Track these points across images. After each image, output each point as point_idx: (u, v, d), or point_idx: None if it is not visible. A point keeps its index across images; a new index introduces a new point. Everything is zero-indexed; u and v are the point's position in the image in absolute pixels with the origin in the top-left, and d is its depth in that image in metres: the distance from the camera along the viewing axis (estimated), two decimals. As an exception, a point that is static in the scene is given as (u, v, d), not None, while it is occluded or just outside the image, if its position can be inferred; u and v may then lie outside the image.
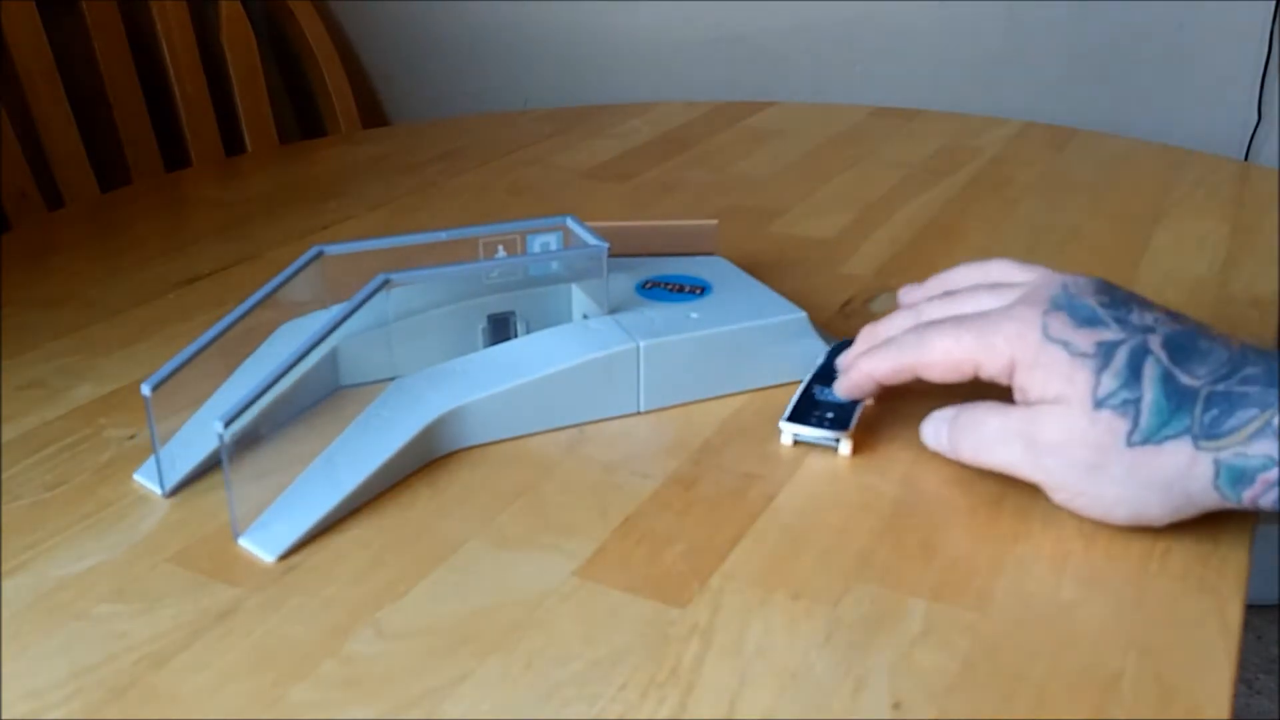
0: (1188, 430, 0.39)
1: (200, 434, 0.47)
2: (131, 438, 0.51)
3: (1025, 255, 0.50)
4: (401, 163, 0.93)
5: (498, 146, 0.96)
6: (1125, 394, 0.39)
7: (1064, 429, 0.41)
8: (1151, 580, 0.40)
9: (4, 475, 0.48)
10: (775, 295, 0.55)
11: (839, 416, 0.48)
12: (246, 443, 0.42)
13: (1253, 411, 0.38)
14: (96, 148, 1.09)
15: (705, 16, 1.27)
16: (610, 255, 0.52)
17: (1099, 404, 0.40)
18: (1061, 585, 0.40)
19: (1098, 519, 0.42)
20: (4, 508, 0.46)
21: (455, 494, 0.46)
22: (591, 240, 0.52)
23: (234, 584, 0.41)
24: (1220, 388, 0.39)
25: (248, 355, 0.51)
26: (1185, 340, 0.41)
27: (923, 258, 0.70)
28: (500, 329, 0.54)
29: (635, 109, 1.08)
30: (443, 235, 0.53)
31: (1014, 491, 0.45)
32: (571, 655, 0.37)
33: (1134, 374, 0.40)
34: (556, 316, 0.55)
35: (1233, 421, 0.38)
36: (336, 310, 0.47)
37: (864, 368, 0.47)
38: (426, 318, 0.52)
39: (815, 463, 0.48)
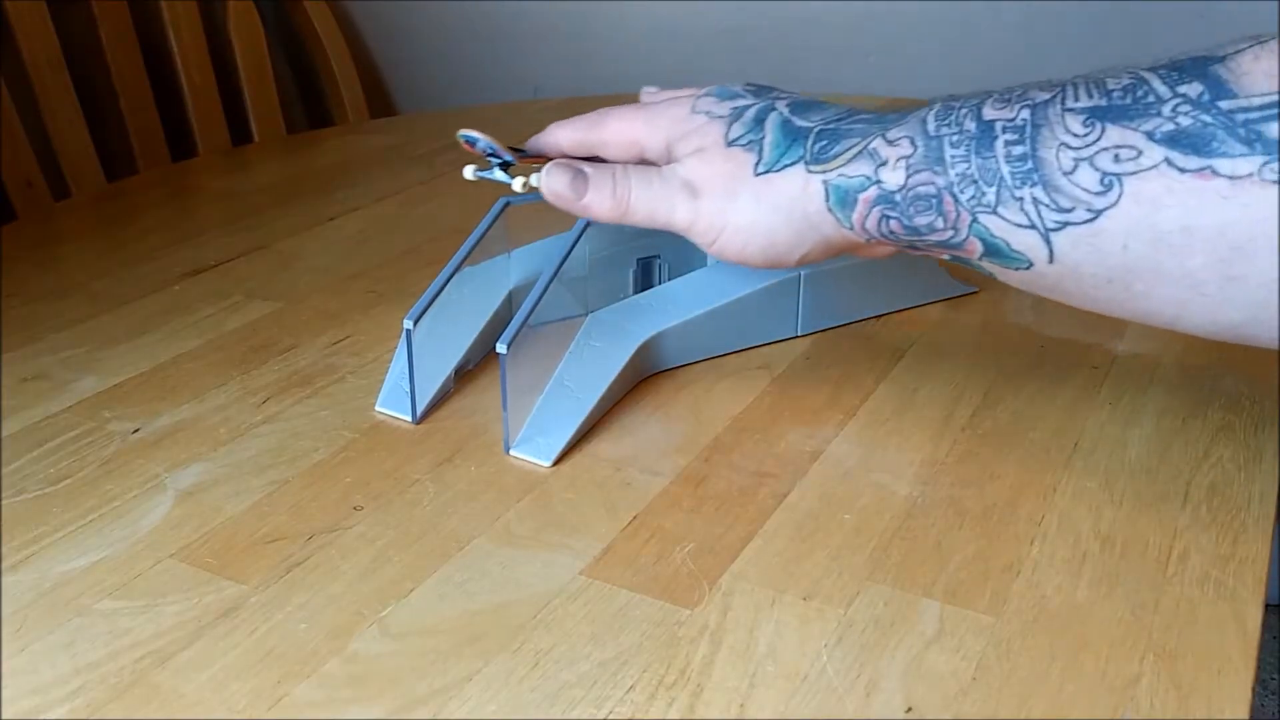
0: (801, 158, 0.44)
1: (422, 372, 0.51)
2: (135, 431, 0.50)
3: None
4: (410, 153, 0.92)
5: (507, 137, 0.95)
6: (750, 136, 0.45)
7: (706, 167, 0.46)
8: (1169, 583, 0.40)
9: (7, 469, 0.48)
10: None
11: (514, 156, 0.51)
12: (512, 366, 0.48)
13: (855, 140, 0.43)
14: (103, 138, 1.09)
15: (716, 6, 1.26)
16: None
17: (730, 144, 0.46)
18: (1077, 587, 0.40)
19: (739, 258, 0.46)
20: (6, 502, 0.45)
21: (462, 491, 0.46)
22: None
23: (238, 581, 0.40)
24: (830, 126, 0.45)
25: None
26: (809, 101, 0.47)
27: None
28: (648, 271, 0.60)
29: (645, 100, 1.07)
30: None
31: (1029, 493, 0.45)
32: (579, 656, 0.37)
33: (758, 123, 0.46)
34: (695, 259, 0.59)
35: (837, 149, 0.43)
36: (524, 253, 0.57)
37: (553, 132, 0.51)
38: (591, 261, 0.57)
39: (829, 462, 0.47)
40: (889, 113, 0.44)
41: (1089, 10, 1.14)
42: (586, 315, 0.55)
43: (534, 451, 0.48)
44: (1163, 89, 0.37)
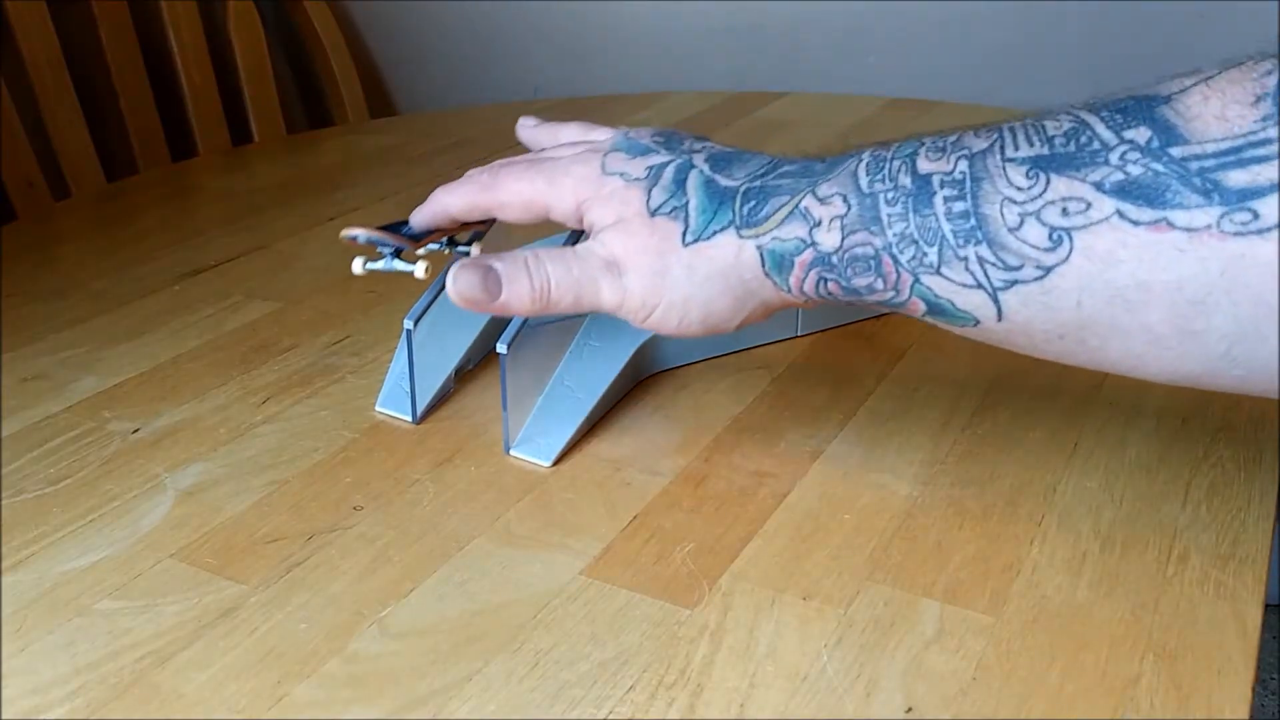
0: (731, 223, 0.42)
1: (422, 372, 0.51)
2: (135, 431, 0.50)
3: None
4: (410, 153, 0.92)
5: (507, 136, 0.94)
6: (674, 202, 0.43)
7: (630, 242, 0.43)
8: (1169, 583, 0.40)
9: (6, 469, 0.48)
10: None
11: (405, 234, 0.48)
12: (512, 367, 0.48)
13: (784, 198, 0.41)
14: (103, 138, 1.09)
15: (716, 6, 1.26)
16: None
17: (654, 213, 0.43)
18: (1077, 587, 0.40)
19: (676, 332, 0.44)
20: (7, 502, 0.45)
21: (462, 491, 0.46)
22: None
23: (238, 581, 0.40)
24: (756, 184, 0.42)
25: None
26: (727, 155, 0.44)
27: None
28: None
29: (646, 99, 1.07)
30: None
31: (1029, 493, 0.45)
32: (579, 656, 0.37)
33: (679, 185, 0.43)
34: None
35: (767, 209, 0.41)
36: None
37: (439, 199, 0.48)
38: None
39: (829, 462, 0.47)
40: (815, 160, 0.42)
41: (1089, 10, 1.14)
42: (587, 315, 0.54)
43: (534, 452, 0.48)
44: (1108, 134, 0.35)
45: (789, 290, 0.42)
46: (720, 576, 0.40)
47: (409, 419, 0.51)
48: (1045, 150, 0.36)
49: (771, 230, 0.41)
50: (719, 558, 0.41)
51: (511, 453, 0.48)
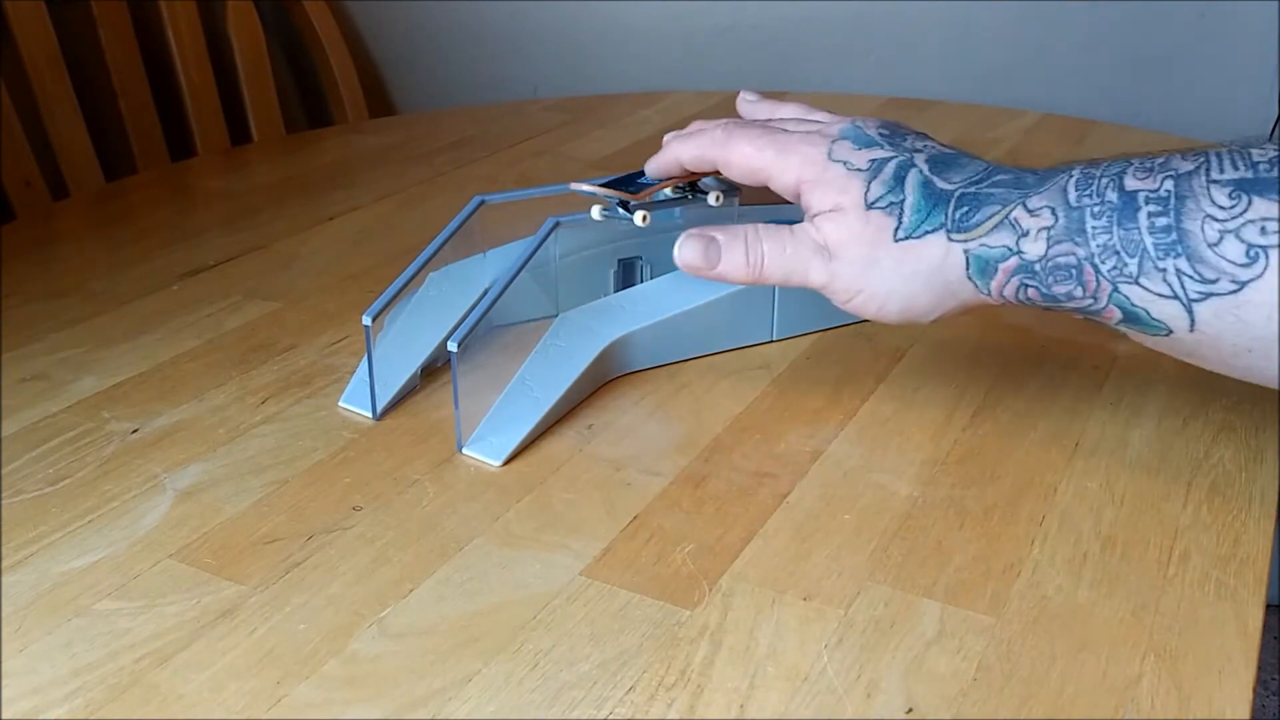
0: (943, 225, 0.43)
1: (389, 369, 0.52)
2: (134, 431, 0.50)
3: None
4: (409, 153, 0.92)
5: (506, 136, 0.95)
6: (891, 198, 0.44)
7: (844, 230, 0.45)
8: (1170, 583, 0.40)
9: (6, 469, 0.47)
10: None
11: (627, 186, 0.51)
12: (465, 365, 0.48)
13: (996, 208, 0.43)
14: (102, 137, 1.09)
15: (716, 6, 1.26)
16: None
17: (870, 206, 0.45)
18: (1078, 587, 0.40)
19: (875, 318, 0.46)
20: (6, 502, 0.45)
21: (461, 491, 0.46)
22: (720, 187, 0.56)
23: (237, 581, 0.40)
24: (971, 190, 0.44)
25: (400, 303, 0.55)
26: (947, 157, 0.46)
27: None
28: (629, 271, 0.59)
29: (646, 99, 1.07)
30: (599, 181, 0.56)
31: (1030, 493, 0.45)
32: (579, 656, 0.37)
33: (899, 182, 0.45)
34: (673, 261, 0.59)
35: (979, 216, 0.43)
36: (499, 253, 0.56)
37: (673, 149, 0.51)
38: (566, 262, 0.57)
39: (829, 462, 0.47)
40: (1028, 171, 0.44)
41: (1089, 10, 1.14)
42: (556, 316, 0.54)
43: (485, 450, 0.48)
44: None
45: (988, 293, 0.44)
46: (720, 577, 0.40)
47: (370, 415, 0.51)
48: (1249, 174, 0.38)
49: (980, 237, 0.43)
50: (719, 558, 0.41)
51: (464, 451, 0.48)
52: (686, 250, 0.48)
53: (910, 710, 0.34)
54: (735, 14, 1.26)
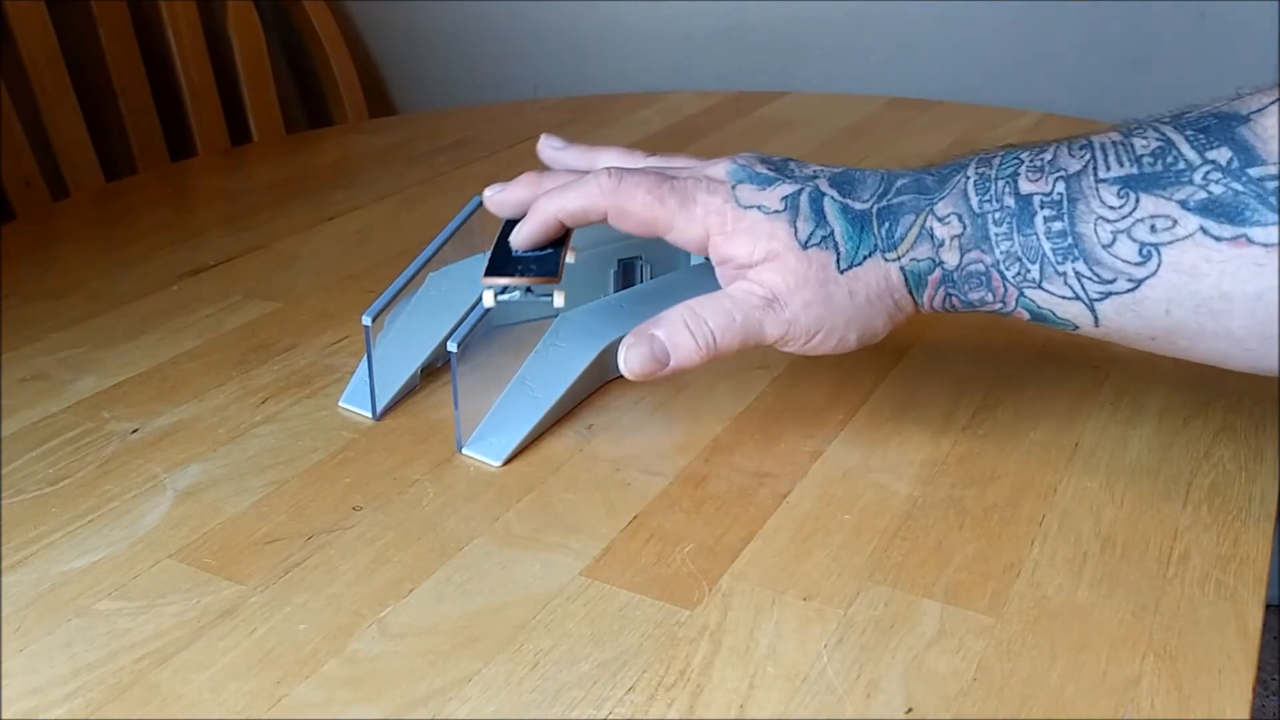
0: (876, 247, 0.44)
1: (389, 369, 0.52)
2: (134, 431, 0.50)
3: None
4: (409, 152, 0.92)
5: (507, 136, 0.95)
6: (821, 232, 0.44)
7: (788, 275, 0.44)
8: (1169, 583, 0.40)
9: (6, 469, 0.47)
10: None
11: (543, 267, 0.47)
12: (464, 365, 0.48)
13: (910, 217, 0.44)
14: (102, 137, 1.09)
15: (716, 6, 1.26)
16: None
17: (805, 246, 0.44)
18: (1078, 588, 0.40)
19: (833, 351, 0.45)
20: (6, 502, 0.45)
21: (461, 491, 0.46)
22: None
23: (237, 581, 0.40)
24: (883, 204, 0.44)
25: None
26: (843, 175, 0.46)
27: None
28: (629, 272, 0.59)
29: (646, 98, 1.07)
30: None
31: (1030, 493, 0.45)
32: (578, 656, 0.37)
33: (819, 214, 0.45)
34: (674, 261, 0.59)
35: (900, 230, 0.44)
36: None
37: (548, 206, 0.47)
38: (568, 264, 0.55)
39: (829, 462, 0.47)
40: (924, 173, 0.45)
41: (1089, 10, 1.14)
42: (557, 315, 0.54)
43: (485, 451, 0.48)
44: (1192, 155, 0.38)
45: (922, 304, 0.45)
46: (720, 577, 0.40)
47: (369, 415, 0.51)
48: (1134, 170, 0.39)
49: (908, 251, 0.44)
50: (719, 558, 0.41)
51: (464, 451, 0.48)
52: (633, 359, 0.45)
53: (910, 710, 0.34)
54: (735, 14, 1.26)
